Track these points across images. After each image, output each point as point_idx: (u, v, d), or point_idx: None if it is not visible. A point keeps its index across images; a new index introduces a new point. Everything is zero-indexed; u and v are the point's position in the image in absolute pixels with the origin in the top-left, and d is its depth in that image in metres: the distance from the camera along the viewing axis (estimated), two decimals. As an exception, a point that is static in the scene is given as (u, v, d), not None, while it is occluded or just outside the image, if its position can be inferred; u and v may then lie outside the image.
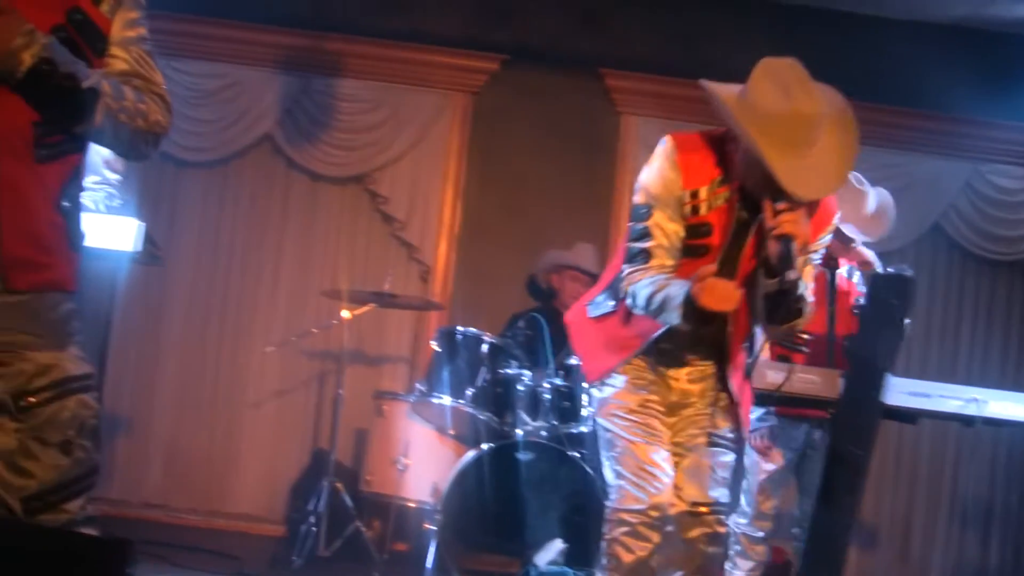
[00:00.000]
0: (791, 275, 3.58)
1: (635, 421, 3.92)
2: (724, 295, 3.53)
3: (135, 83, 2.85)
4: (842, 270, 5.46)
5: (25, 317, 2.69)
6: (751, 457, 5.44)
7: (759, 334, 4.01)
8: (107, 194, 4.70)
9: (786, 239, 3.57)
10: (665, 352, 3.95)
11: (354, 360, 7.06)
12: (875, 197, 5.32)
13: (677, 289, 3.60)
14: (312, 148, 7.33)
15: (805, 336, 4.85)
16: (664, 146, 3.82)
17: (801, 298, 3.71)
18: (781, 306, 3.68)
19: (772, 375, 4.70)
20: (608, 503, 3.93)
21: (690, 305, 3.54)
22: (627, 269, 3.83)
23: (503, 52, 7.47)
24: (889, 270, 5.09)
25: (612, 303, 4.01)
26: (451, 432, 6.08)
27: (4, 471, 2.65)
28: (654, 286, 3.69)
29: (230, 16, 7.28)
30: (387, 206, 7.39)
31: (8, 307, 2.66)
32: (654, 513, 3.82)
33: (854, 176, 5.13)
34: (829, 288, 5.32)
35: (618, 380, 3.98)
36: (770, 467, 5.44)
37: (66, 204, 2.75)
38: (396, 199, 7.39)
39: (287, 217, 7.41)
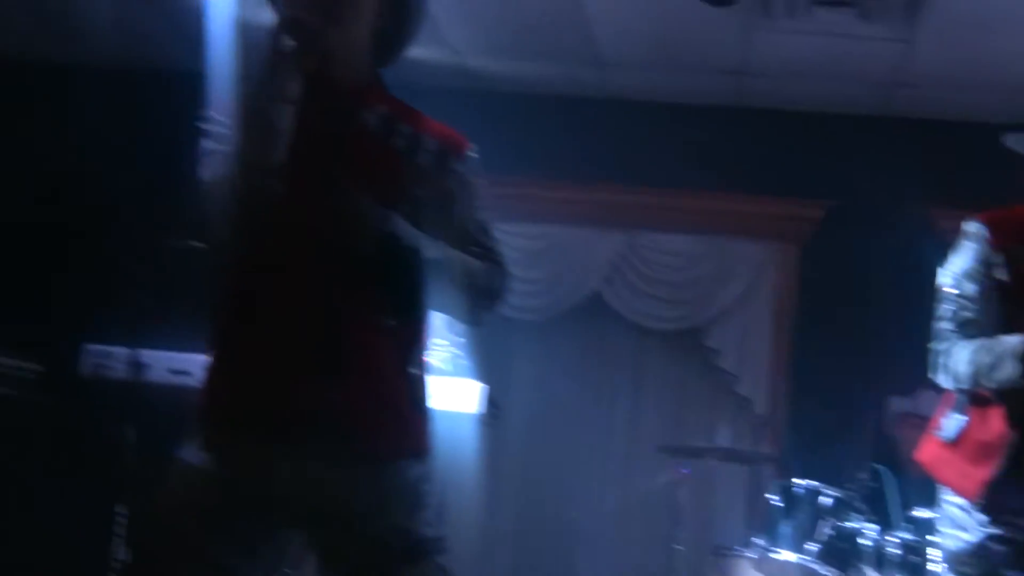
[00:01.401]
0: None
1: None
2: None
3: (474, 251, 2.92)
4: None
5: (379, 483, 2.72)
6: None
7: None
8: (451, 355, 4.83)
9: None
10: None
11: (690, 515, 6.96)
12: None
13: (1008, 338, 3.37)
14: (640, 303, 7.37)
15: None
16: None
17: None
18: None
19: None
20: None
21: None
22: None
23: (829, 198, 7.38)
24: None
25: (959, 415, 3.79)
26: (793, 589, 5.89)
27: None
28: (973, 345, 3.49)
29: (555, 177, 7.46)
30: (718, 359, 7.34)
31: (361, 474, 2.70)
32: None
33: None
34: None
35: None
36: None
37: (413, 369, 2.81)
38: (727, 352, 7.33)
39: (617, 373, 7.45)
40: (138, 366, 3.84)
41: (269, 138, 2.62)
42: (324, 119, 2.77)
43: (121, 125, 7.34)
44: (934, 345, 3.68)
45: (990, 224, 3.67)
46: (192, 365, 3.71)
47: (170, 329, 3.89)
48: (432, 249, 2.74)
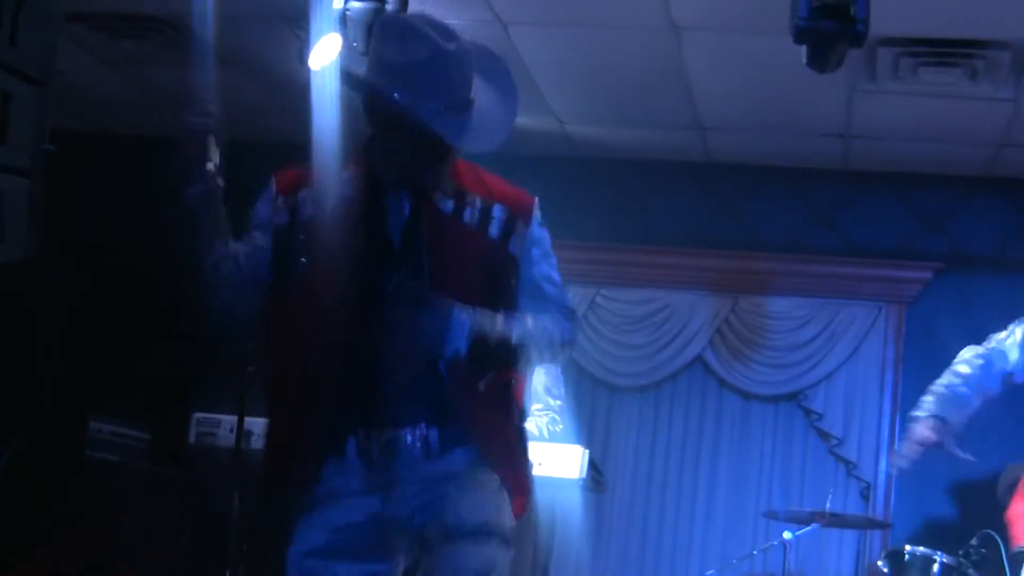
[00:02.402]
0: None
1: None
2: None
3: (548, 307, 3.15)
4: None
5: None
6: None
7: None
8: (550, 419, 4.85)
9: None
10: None
11: (797, 582, 6.88)
12: None
13: None
14: (743, 367, 7.34)
15: None
16: None
17: None
18: None
19: None
20: None
21: None
22: None
23: (936, 260, 7.31)
24: None
25: None
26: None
27: None
28: None
29: (657, 242, 7.47)
30: (822, 423, 7.28)
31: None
32: None
33: None
34: None
35: None
36: None
37: (515, 421, 3.10)
38: (831, 415, 7.27)
39: (720, 437, 7.41)
40: (244, 434, 3.88)
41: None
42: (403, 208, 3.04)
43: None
44: None
45: None
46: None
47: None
48: (514, 327, 3.01)
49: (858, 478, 7.22)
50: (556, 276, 3.20)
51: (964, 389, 4.45)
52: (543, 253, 3.17)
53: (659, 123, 7.22)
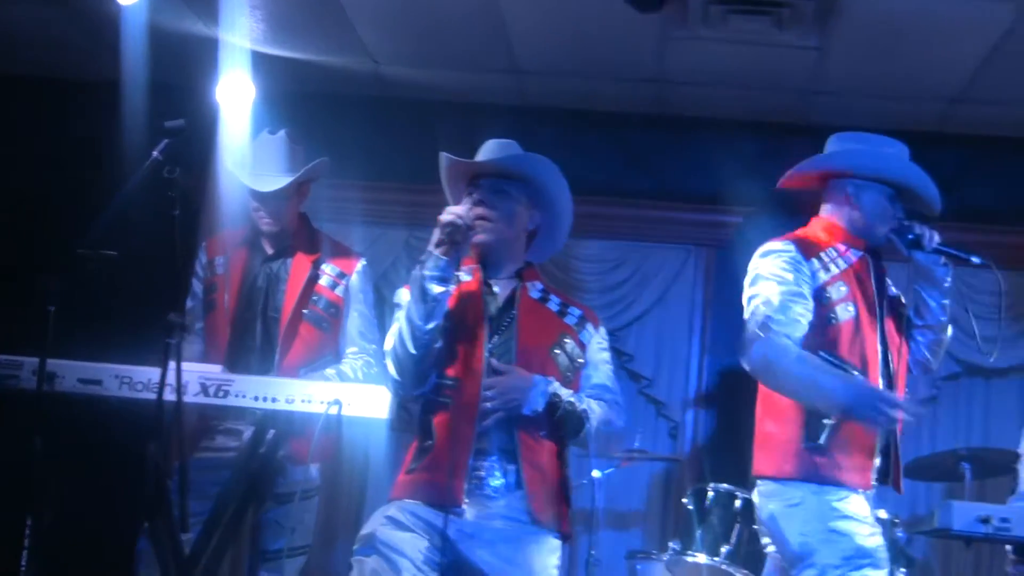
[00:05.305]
0: None
1: None
2: None
3: (606, 396, 4.02)
4: None
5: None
6: None
7: None
8: (365, 362, 4.85)
9: None
10: None
11: (605, 520, 6.99)
12: None
13: None
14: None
15: None
16: None
17: None
18: None
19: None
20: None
21: None
22: None
23: (746, 204, 7.46)
24: None
25: None
26: (708, 591, 5.94)
27: None
28: None
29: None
30: (633, 364, 7.39)
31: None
32: None
33: None
34: None
35: None
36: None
37: (565, 472, 3.99)
38: (642, 356, 7.40)
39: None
40: (46, 376, 3.77)
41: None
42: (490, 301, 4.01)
43: (39, 132, 7.30)
44: None
45: None
46: (102, 375, 3.66)
47: (80, 339, 3.84)
48: (581, 403, 3.89)
49: (667, 417, 7.37)
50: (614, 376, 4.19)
51: None
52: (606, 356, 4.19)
53: (475, 65, 7.20)
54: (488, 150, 4.13)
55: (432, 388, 3.89)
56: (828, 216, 4.46)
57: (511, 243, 4.08)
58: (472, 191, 4.01)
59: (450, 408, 3.84)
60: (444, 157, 4.12)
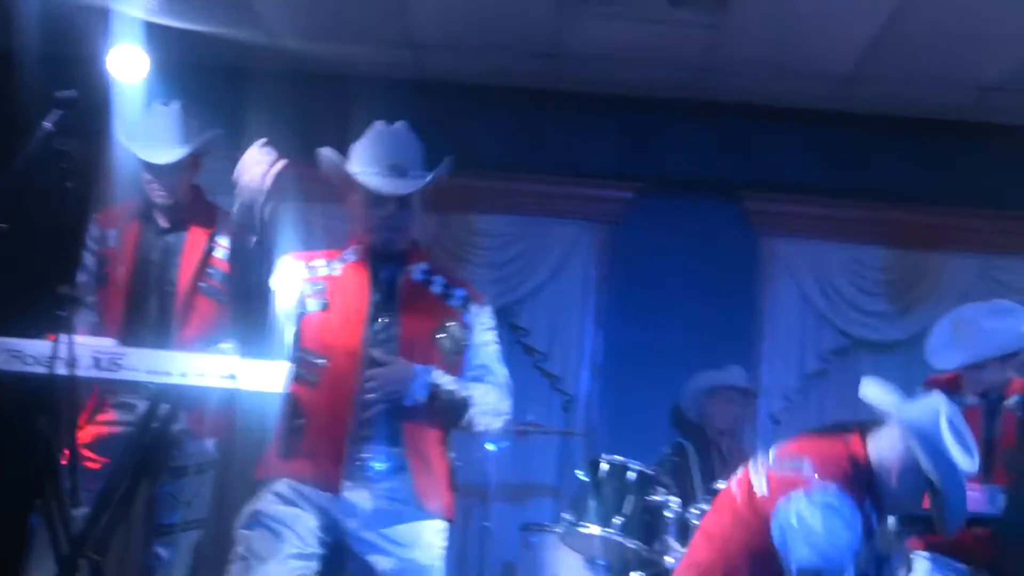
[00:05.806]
0: None
1: None
2: None
3: (488, 378, 4.05)
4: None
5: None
6: None
7: None
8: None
9: None
10: None
11: (500, 492, 7.03)
12: None
13: None
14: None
15: None
16: None
17: None
18: None
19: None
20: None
21: None
22: None
23: (639, 180, 7.52)
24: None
25: None
26: (600, 562, 6.00)
27: None
28: None
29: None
30: (528, 338, 7.44)
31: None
32: None
33: None
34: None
35: None
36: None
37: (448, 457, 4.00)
38: (536, 330, 7.44)
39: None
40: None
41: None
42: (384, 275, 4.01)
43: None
44: None
45: None
46: (28, 348, 3.59)
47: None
48: (465, 389, 3.95)
49: (561, 391, 7.43)
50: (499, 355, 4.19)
51: None
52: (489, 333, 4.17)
53: (371, 38, 7.16)
54: (379, 141, 4.33)
55: (295, 359, 3.83)
56: None
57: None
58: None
59: (320, 389, 3.84)
60: (329, 157, 4.30)
